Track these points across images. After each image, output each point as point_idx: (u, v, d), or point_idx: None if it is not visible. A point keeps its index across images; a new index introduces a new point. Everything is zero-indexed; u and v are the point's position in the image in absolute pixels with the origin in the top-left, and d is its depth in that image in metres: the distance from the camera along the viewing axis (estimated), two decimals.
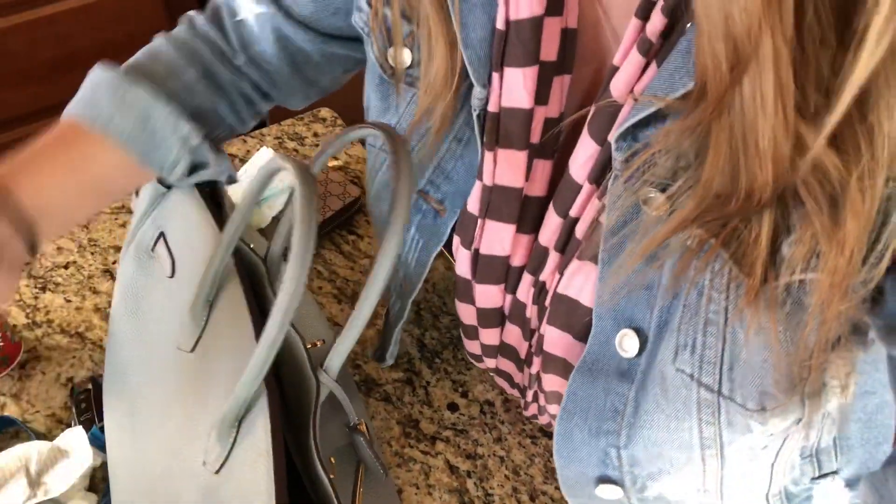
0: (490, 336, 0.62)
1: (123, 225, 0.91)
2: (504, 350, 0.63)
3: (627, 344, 0.46)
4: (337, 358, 0.46)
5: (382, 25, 0.53)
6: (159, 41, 0.62)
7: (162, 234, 0.58)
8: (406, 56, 0.53)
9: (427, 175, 0.55)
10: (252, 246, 0.55)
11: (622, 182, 0.42)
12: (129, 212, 0.93)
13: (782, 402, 0.42)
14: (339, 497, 0.43)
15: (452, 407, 0.73)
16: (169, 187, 0.59)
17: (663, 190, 0.40)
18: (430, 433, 0.71)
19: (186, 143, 0.55)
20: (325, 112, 1.05)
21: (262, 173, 0.44)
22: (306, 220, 0.37)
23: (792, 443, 0.47)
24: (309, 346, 0.49)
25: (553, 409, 0.60)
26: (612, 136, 0.42)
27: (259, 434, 0.42)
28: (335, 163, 0.96)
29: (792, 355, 0.40)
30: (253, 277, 0.53)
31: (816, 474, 0.50)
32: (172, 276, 0.56)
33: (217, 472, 0.43)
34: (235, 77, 0.63)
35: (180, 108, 0.56)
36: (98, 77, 0.55)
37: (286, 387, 0.52)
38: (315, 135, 1.02)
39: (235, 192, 0.64)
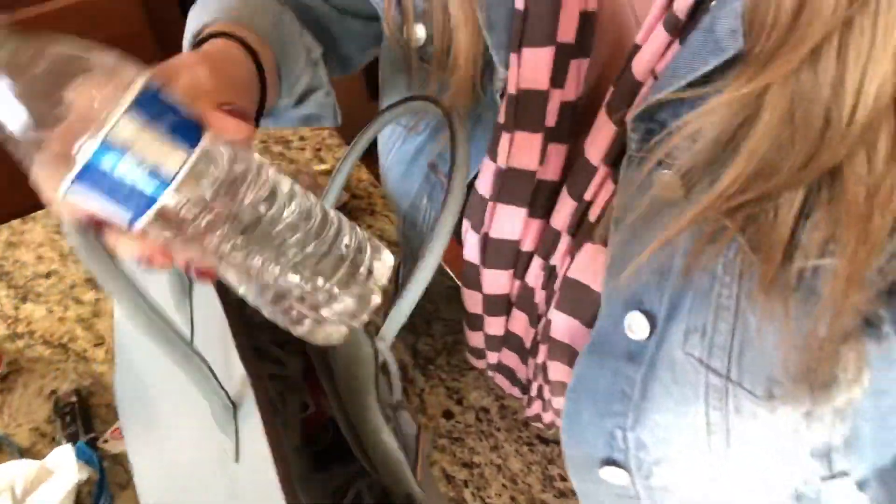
0: (495, 325, 0.61)
1: None
2: (508, 341, 0.62)
3: (636, 326, 0.45)
4: (393, 325, 0.44)
5: (395, 0, 0.53)
6: None
7: None
8: (420, 32, 0.53)
9: (439, 149, 0.56)
10: None
11: (636, 164, 0.41)
12: None
13: (790, 390, 0.41)
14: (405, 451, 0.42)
15: (448, 415, 0.72)
16: None
17: (681, 174, 0.40)
18: None
19: (309, 54, 0.59)
20: None
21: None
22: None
23: (802, 440, 0.46)
24: None
25: (558, 402, 0.60)
26: (629, 117, 0.41)
27: (254, 419, 0.40)
28: (323, 167, 0.95)
29: (803, 344, 0.39)
30: None
31: (827, 474, 0.49)
32: None
33: (236, 461, 0.42)
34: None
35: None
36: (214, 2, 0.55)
37: (331, 360, 0.51)
38: (301, 138, 1.01)
39: None
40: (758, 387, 0.42)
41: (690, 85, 0.38)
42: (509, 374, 0.66)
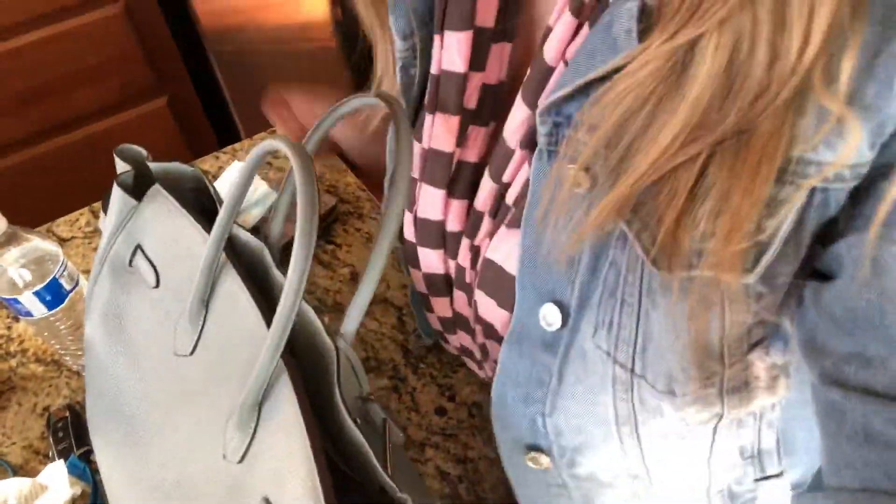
0: (441, 306, 0.61)
1: (96, 249, 0.89)
2: (458, 322, 0.62)
3: (550, 317, 0.46)
4: (352, 322, 0.45)
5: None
6: None
7: (139, 247, 0.57)
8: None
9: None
10: (248, 231, 0.55)
11: (547, 157, 0.42)
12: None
13: (692, 390, 0.42)
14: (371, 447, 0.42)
15: (440, 411, 0.72)
16: (139, 200, 0.57)
17: (586, 169, 0.39)
18: (419, 440, 0.69)
19: None
20: None
21: (254, 155, 0.42)
22: (308, 197, 0.37)
23: (725, 440, 0.46)
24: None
25: None
26: (537, 110, 0.41)
27: (286, 410, 0.40)
28: None
29: (696, 344, 0.40)
30: (254, 263, 0.52)
31: (759, 476, 0.50)
32: (157, 286, 0.54)
33: (240, 461, 0.42)
34: None
35: None
36: None
37: (298, 358, 0.51)
38: None
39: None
40: (658, 381, 0.43)
41: (592, 81, 0.37)
42: (470, 355, 0.66)
